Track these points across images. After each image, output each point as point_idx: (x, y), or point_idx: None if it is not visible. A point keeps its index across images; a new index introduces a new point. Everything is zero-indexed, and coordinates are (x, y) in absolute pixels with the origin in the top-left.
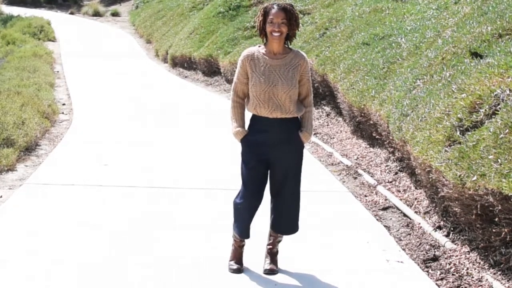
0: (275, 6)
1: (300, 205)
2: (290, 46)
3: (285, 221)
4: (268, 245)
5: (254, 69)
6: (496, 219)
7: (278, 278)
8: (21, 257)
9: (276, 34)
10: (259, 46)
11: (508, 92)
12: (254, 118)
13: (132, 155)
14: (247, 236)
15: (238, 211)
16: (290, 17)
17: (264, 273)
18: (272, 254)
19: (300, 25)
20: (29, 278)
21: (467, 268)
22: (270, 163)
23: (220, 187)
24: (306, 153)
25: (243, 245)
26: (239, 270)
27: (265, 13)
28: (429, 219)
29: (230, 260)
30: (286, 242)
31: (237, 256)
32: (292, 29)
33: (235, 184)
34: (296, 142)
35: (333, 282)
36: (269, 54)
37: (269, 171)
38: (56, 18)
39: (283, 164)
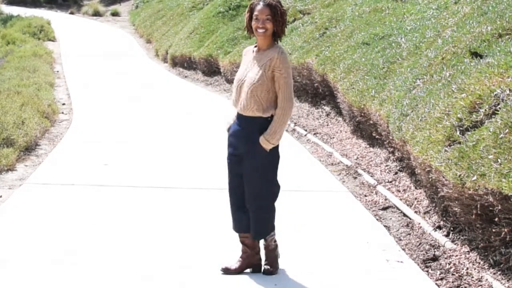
0: (261, 3)
1: (264, 213)
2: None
3: (251, 223)
4: (263, 243)
5: (242, 63)
6: (496, 219)
7: (277, 278)
8: (21, 257)
9: (260, 30)
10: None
11: (508, 92)
12: None
13: (132, 154)
14: (235, 229)
15: None
16: (275, 13)
17: (263, 273)
18: (268, 251)
19: (301, 25)
20: (29, 278)
21: (467, 268)
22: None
23: (220, 187)
24: (306, 153)
25: (245, 245)
26: (225, 270)
27: (251, 9)
28: (429, 219)
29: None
30: (286, 242)
31: (240, 259)
32: (278, 26)
33: None
34: (256, 145)
35: (333, 282)
36: (257, 51)
37: None
38: (56, 18)
39: (245, 163)
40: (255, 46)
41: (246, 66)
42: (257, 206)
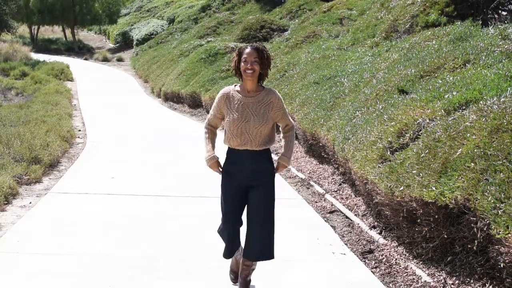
0: (249, 47)
1: (273, 232)
2: (264, 85)
3: (258, 246)
4: (240, 273)
5: (229, 106)
6: (418, 220)
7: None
8: (49, 250)
9: (249, 71)
10: (235, 85)
11: (428, 120)
12: (229, 150)
13: (133, 169)
14: (229, 257)
15: (222, 238)
16: (262, 56)
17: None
18: (246, 283)
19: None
20: (54, 265)
21: (396, 259)
22: (248, 191)
23: (205, 195)
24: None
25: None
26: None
27: (240, 53)
28: (366, 220)
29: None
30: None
31: (234, 267)
32: (264, 68)
33: (215, 191)
34: (266, 172)
35: (293, 269)
36: (243, 92)
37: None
38: (73, 62)
39: (256, 192)
40: (235, 85)
41: (239, 108)
42: (270, 229)
